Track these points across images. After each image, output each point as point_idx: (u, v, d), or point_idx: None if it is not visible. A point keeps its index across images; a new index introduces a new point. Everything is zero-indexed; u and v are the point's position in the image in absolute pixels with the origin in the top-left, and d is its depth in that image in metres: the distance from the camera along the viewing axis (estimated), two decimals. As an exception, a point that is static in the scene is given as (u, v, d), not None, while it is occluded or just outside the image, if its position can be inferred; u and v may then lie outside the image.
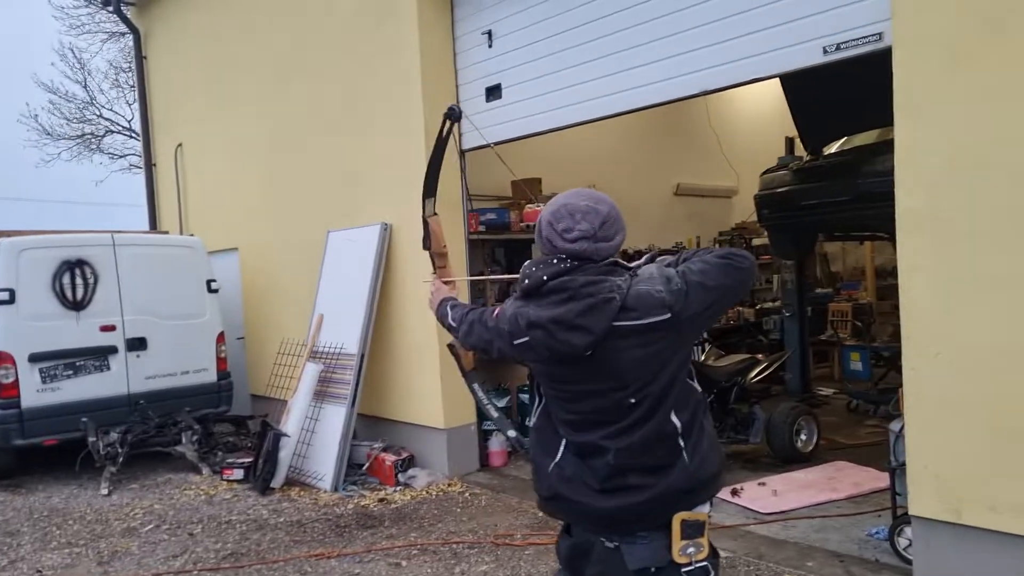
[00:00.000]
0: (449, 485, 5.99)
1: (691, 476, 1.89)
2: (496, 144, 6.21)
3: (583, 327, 1.81)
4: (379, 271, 6.47)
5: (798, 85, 7.39)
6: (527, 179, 8.29)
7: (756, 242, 10.91)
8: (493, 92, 6.11)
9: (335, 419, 6.28)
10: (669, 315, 1.81)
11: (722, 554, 4.33)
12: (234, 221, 8.93)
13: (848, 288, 10.63)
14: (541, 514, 5.19)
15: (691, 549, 1.86)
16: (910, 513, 3.70)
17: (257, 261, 8.61)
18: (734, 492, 5.30)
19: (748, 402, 6.28)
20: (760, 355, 6.78)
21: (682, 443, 1.89)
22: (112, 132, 17.27)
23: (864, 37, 3.97)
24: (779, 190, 7.35)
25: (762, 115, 10.52)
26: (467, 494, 5.78)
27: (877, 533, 4.42)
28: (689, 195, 10.79)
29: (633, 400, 1.87)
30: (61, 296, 6.93)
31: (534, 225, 7.62)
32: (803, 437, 6.13)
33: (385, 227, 6.51)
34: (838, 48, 4.13)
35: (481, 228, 6.98)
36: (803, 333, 8.57)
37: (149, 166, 10.71)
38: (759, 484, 5.47)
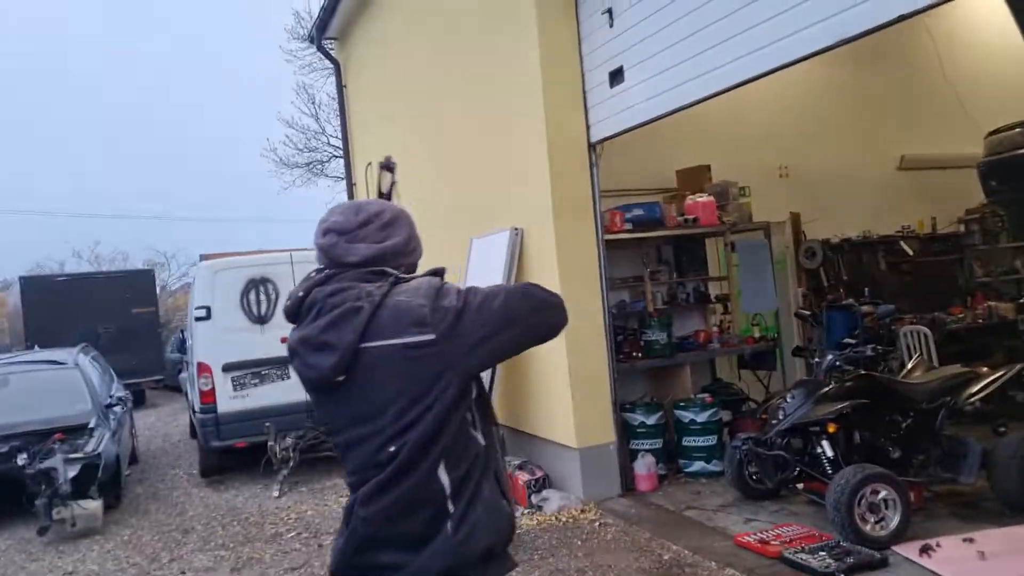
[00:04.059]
0: (582, 511, 5.45)
1: (453, 552, 1.48)
2: (621, 132, 5.58)
3: (328, 344, 1.51)
4: (510, 276, 6.13)
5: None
6: (693, 168, 7.40)
7: (1018, 220, 8.71)
8: (616, 76, 5.44)
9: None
10: (432, 336, 1.47)
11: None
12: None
13: None
14: (666, 557, 4.50)
15: None
16: None
17: (419, 270, 8.77)
18: (924, 550, 4.08)
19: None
20: (985, 367, 5.24)
21: (451, 507, 1.50)
22: (335, 157, 19.12)
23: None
24: (1012, 154, 5.66)
25: (1017, 55, 8.32)
26: (596, 523, 5.19)
27: None
28: (919, 168, 8.91)
29: (392, 448, 1.49)
30: (248, 311, 7.62)
31: (695, 219, 6.67)
32: (1044, 479, 4.59)
33: (516, 231, 6.16)
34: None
35: (627, 226, 6.29)
36: (1075, 335, 6.57)
37: (350, 185, 11.52)
38: (963, 540, 4.16)
